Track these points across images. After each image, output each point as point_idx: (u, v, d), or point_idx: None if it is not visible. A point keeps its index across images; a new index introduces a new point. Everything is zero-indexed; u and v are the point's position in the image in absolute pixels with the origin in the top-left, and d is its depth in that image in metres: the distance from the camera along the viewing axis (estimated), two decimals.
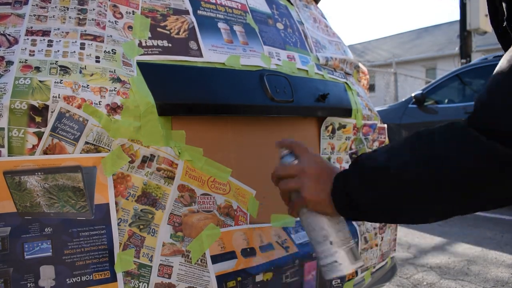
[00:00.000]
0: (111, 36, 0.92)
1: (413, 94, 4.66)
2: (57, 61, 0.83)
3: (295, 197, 0.76)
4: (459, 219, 3.66)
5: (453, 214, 0.61)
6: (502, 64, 0.56)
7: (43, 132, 0.77)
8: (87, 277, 0.79)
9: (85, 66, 0.85)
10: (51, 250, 0.77)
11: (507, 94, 0.53)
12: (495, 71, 0.56)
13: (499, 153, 0.51)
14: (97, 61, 0.87)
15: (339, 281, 1.26)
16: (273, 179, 0.80)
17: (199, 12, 1.12)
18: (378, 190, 0.62)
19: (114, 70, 0.87)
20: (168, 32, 1.02)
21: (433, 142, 0.58)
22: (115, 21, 0.95)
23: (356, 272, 1.35)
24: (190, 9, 1.10)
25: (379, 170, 0.62)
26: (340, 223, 0.74)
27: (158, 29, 1.01)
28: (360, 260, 0.74)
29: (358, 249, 1.34)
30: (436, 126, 0.59)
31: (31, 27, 0.86)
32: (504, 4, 0.63)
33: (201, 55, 1.04)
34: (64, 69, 0.82)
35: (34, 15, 0.88)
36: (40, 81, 0.79)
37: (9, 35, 0.83)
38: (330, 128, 1.39)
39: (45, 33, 0.86)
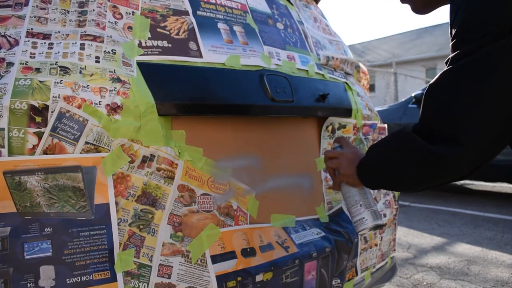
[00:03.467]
0: (111, 36, 0.92)
1: (413, 94, 4.66)
2: (57, 62, 0.83)
3: (337, 173, 1.06)
4: (458, 220, 3.66)
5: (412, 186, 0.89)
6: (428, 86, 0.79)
7: (43, 132, 0.78)
8: (87, 277, 0.79)
9: (85, 66, 0.85)
10: (51, 250, 0.77)
11: (433, 110, 0.78)
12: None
13: (428, 149, 0.76)
14: (97, 61, 0.87)
15: (339, 281, 1.26)
16: (325, 160, 1.10)
17: (199, 12, 1.12)
18: (375, 171, 0.94)
19: (114, 70, 0.87)
20: (168, 33, 1.02)
21: (390, 142, 0.89)
22: (115, 21, 0.95)
23: (356, 272, 1.35)
24: (190, 10, 1.10)
25: (374, 162, 0.94)
26: (367, 193, 1.04)
27: (158, 29, 1.01)
28: (380, 219, 1.02)
29: (358, 249, 1.34)
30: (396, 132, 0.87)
31: (32, 29, 0.86)
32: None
33: (200, 56, 1.04)
34: (64, 69, 0.82)
35: (35, 17, 0.88)
36: (40, 81, 0.79)
37: (9, 36, 0.83)
38: (330, 128, 1.40)
39: (46, 36, 0.86)
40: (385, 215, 1.52)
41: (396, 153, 0.85)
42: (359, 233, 1.06)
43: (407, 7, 1.03)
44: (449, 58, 0.76)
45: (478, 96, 0.71)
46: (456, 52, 0.73)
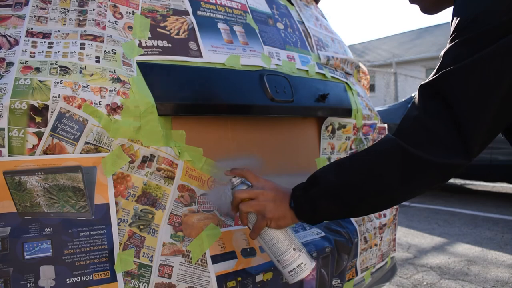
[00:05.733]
0: (111, 36, 0.92)
1: (413, 94, 4.66)
2: (57, 61, 0.83)
3: (255, 219, 0.88)
4: (458, 220, 3.66)
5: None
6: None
7: (43, 132, 0.78)
8: (87, 277, 0.79)
9: (85, 66, 0.85)
10: (51, 250, 0.77)
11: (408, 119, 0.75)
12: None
13: (410, 152, 0.72)
14: (97, 61, 0.87)
15: (339, 281, 1.26)
16: (232, 207, 0.91)
17: (199, 12, 1.12)
18: (339, 196, 0.80)
19: (114, 70, 0.87)
20: (168, 33, 1.02)
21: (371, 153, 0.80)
22: (115, 21, 0.95)
23: (356, 272, 1.35)
24: (190, 10, 1.10)
25: (339, 185, 0.81)
26: (291, 233, 0.89)
27: (158, 29, 1.01)
28: (313, 262, 0.89)
29: (358, 249, 1.34)
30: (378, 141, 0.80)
31: (32, 28, 0.86)
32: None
33: (200, 56, 1.04)
34: (64, 69, 0.82)
35: (34, 16, 0.88)
36: (40, 81, 0.79)
37: (9, 36, 0.83)
38: (330, 128, 1.40)
39: (46, 35, 0.86)
40: (385, 215, 1.52)
41: (382, 168, 0.75)
42: (294, 282, 0.88)
43: (407, 7, 1.03)
44: (444, 54, 0.73)
45: (481, 97, 0.69)
46: (455, 45, 0.71)
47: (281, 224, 0.86)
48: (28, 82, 0.78)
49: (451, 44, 0.73)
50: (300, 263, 0.86)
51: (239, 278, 0.97)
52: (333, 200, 0.81)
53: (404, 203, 4.34)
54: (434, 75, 0.74)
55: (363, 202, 0.79)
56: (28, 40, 0.84)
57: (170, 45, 1.00)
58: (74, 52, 0.85)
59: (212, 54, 1.07)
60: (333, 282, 1.23)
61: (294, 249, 0.86)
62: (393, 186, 0.75)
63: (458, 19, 0.72)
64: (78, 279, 0.78)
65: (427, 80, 0.75)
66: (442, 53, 0.75)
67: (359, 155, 0.81)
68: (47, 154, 0.78)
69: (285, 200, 0.86)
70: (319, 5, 1.76)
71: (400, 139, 0.74)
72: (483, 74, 0.68)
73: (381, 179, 0.75)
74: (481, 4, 0.69)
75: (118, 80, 0.86)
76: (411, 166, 0.73)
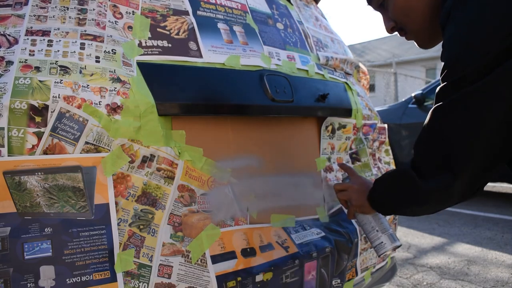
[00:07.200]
0: (111, 36, 0.92)
1: (413, 94, 4.65)
2: (57, 61, 0.83)
3: (349, 204, 1.12)
4: (458, 220, 3.66)
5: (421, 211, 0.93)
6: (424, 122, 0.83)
7: (43, 132, 0.77)
8: (87, 277, 0.79)
9: (85, 66, 0.85)
10: (51, 250, 0.77)
11: (425, 145, 0.83)
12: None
13: (419, 183, 0.83)
14: (97, 61, 0.87)
15: (339, 281, 1.26)
16: (336, 192, 1.16)
17: (199, 12, 1.12)
18: (383, 202, 1.01)
19: (114, 70, 0.87)
20: (168, 33, 1.02)
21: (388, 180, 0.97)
22: (115, 21, 0.95)
23: (356, 272, 1.35)
24: (190, 10, 1.10)
25: (379, 195, 1.01)
26: (381, 218, 1.10)
27: (158, 29, 1.01)
28: (397, 241, 1.09)
29: (358, 249, 1.34)
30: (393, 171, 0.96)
31: (31, 27, 0.86)
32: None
33: (200, 56, 1.04)
34: (64, 69, 0.82)
35: (34, 15, 0.88)
36: (40, 81, 0.79)
37: (9, 35, 0.83)
38: (330, 128, 1.39)
39: (45, 33, 0.86)
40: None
41: (396, 189, 0.92)
42: (379, 256, 1.12)
43: None
44: (438, 88, 0.78)
45: (467, 128, 0.74)
46: (444, 85, 0.76)
47: (365, 211, 1.07)
48: (28, 81, 0.78)
49: (441, 84, 0.77)
50: (381, 242, 1.08)
51: (239, 278, 0.97)
52: (390, 205, 0.99)
53: None
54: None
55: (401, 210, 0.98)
56: (28, 39, 0.84)
57: (170, 45, 1.00)
58: (74, 52, 0.85)
59: (212, 54, 1.07)
60: (333, 282, 1.23)
61: (377, 230, 1.08)
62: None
63: (444, 60, 0.77)
64: (78, 279, 0.78)
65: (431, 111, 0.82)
66: (436, 90, 0.80)
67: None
68: (47, 154, 0.78)
69: (366, 192, 1.04)
70: (319, 5, 1.76)
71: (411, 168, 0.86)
72: (468, 109, 0.73)
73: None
74: (462, 40, 0.73)
75: (118, 80, 0.86)
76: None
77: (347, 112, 1.42)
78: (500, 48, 0.67)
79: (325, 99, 1.29)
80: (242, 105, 1.08)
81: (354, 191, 1.10)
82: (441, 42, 0.83)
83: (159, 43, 0.99)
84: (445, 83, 0.76)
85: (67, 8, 0.91)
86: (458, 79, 0.73)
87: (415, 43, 0.97)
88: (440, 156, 0.79)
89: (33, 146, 0.77)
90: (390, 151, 1.72)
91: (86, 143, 0.81)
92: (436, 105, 0.78)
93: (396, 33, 0.99)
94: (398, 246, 1.09)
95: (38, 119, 0.77)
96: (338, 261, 1.23)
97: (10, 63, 0.79)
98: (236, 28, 1.19)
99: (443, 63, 0.77)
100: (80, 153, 0.81)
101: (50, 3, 0.90)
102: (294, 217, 1.20)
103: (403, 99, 5.05)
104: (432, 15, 0.86)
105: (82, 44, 0.87)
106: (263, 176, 1.16)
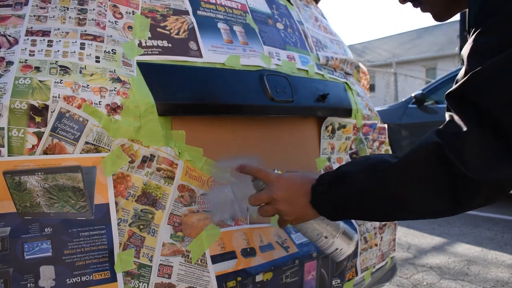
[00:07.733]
0: (111, 36, 0.92)
1: (413, 94, 4.66)
2: (57, 61, 0.83)
3: (279, 217, 0.86)
4: (458, 220, 3.66)
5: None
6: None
7: (43, 132, 0.77)
8: (87, 277, 0.79)
9: (85, 66, 0.85)
10: (51, 250, 0.77)
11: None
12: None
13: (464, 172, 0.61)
14: (97, 61, 0.87)
15: (339, 281, 1.26)
16: (255, 205, 0.89)
17: (199, 12, 1.12)
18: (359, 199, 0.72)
19: (114, 70, 0.87)
20: (168, 32, 1.02)
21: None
22: (115, 21, 0.95)
23: (356, 272, 1.35)
24: (190, 10, 1.10)
25: (364, 190, 0.71)
26: (325, 219, 0.85)
27: (158, 29, 1.01)
28: (354, 237, 0.87)
29: (358, 249, 1.34)
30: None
31: (31, 28, 0.86)
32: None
33: (200, 56, 1.04)
34: (64, 69, 0.82)
35: (34, 16, 0.88)
36: (40, 81, 0.79)
37: (9, 35, 0.83)
38: (330, 128, 1.39)
39: (45, 33, 0.86)
40: None
41: (410, 181, 0.66)
42: (339, 261, 0.93)
43: (407, 7, 1.01)
44: (466, 56, 0.64)
45: None
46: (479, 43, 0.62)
47: (305, 220, 0.84)
48: (28, 81, 0.78)
49: (474, 36, 0.63)
50: (335, 249, 0.86)
51: (239, 278, 0.97)
52: (361, 204, 0.73)
53: None
54: (462, 78, 0.64)
55: (398, 213, 0.72)
56: (28, 39, 0.84)
57: (170, 45, 1.00)
58: (74, 52, 0.85)
59: (212, 54, 1.07)
60: (333, 282, 1.23)
61: (326, 237, 0.85)
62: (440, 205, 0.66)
63: (477, 7, 0.64)
64: (78, 279, 0.78)
65: (454, 87, 0.65)
66: (464, 51, 0.65)
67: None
68: (47, 154, 0.78)
69: (302, 196, 0.79)
70: (319, 5, 1.76)
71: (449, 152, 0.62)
72: None
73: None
74: None
75: (118, 80, 0.86)
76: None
77: (347, 112, 1.42)
78: None
79: (325, 99, 1.29)
80: (242, 105, 1.08)
81: (282, 200, 0.81)
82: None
83: (159, 43, 0.99)
84: (479, 32, 0.60)
85: (67, 8, 0.91)
86: (498, 25, 0.58)
87: (430, 14, 0.85)
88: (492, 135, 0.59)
89: (33, 146, 0.77)
90: (390, 151, 1.72)
91: (86, 143, 0.81)
92: (474, 70, 0.60)
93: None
94: (357, 242, 0.87)
95: (38, 119, 0.77)
96: (338, 261, 1.23)
97: (10, 63, 0.79)
98: (236, 28, 1.19)
99: (473, 15, 0.64)
100: (80, 153, 0.81)
101: (50, 3, 0.90)
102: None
103: (403, 99, 5.05)
104: None
105: (82, 44, 0.87)
106: None
